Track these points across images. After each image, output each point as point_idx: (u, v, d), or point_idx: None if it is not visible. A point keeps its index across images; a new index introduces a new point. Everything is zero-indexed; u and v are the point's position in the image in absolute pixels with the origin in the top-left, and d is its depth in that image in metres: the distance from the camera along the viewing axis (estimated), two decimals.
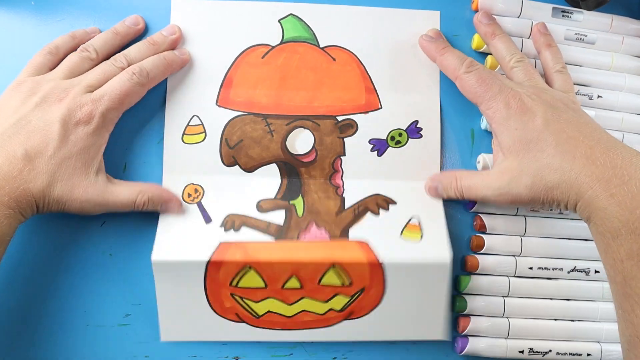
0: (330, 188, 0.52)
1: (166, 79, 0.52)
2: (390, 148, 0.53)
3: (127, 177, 0.52)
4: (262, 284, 0.49)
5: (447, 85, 0.54)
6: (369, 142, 0.53)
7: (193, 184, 0.51)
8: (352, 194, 0.52)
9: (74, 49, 0.51)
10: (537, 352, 0.52)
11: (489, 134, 0.55)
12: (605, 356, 0.53)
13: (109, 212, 0.48)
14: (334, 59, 0.53)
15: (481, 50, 0.54)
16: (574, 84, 0.54)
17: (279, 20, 0.53)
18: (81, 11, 0.54)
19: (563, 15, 0.55)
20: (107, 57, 0.51)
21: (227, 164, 0.52)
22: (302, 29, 0.53)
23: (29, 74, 0.49)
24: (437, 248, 0.50)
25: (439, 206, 0.52)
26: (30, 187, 0.44)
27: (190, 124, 0.52)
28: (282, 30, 0.53)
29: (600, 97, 0.55)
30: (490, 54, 0.54)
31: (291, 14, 0.53)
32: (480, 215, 0.53)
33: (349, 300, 0.50)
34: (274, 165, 0.52)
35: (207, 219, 0.51)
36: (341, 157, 0.53)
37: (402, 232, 0.51)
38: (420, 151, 0.53)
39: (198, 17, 0.53)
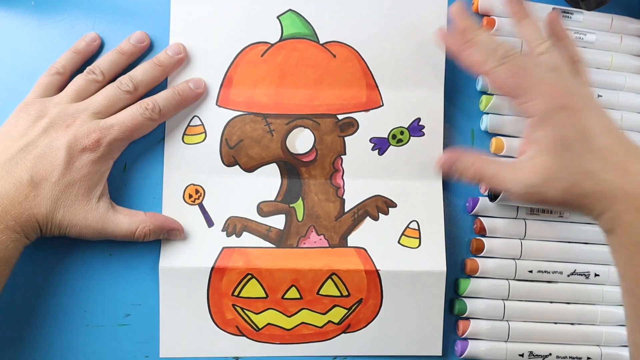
0: (330, 189, 0.52)
1: (166, 79, 0.52)
2: (391, 146, 0.52)
3: (127, 177, 0.51)
4: (263, 294, 0.50)
5: (447, 84, 0.53)
6: (370, 140, 0.52)
7: (194, 184, 0.51)
8: (353, 195, 0.52)
9: (80, 65, 0.51)
10: (537, 355, 0.52)
11: (489, 134, 0.54)
12: (605, 359, 0.53)
13: (109, 239, 0.49)
14: (334, 56, 0.52)
15: None
16: None
17: (277, 17, 0.52)
18: (81, 11, 0.53)
19: (563, 16, 0.55)
20: (114, 78, 0.50)
21: (227, 164, 0.52)
22: (302, 25, 0.52)
23: (37, 95, 0.48)
24: (434, 256, 0.51)
25: (438, 208, 0.52)
26: (35, 212, 0.45)
27: (190, 124, 0.52)
28: (281, 27, 0.52)
29: (600, 96, 0.54)
30: None
31: (290, 10, 0.52)
32: (480, 218, 0.53)
33: (347, 312, 0.51)
34: (274, 165, 0.52)
35: (210, 223, 0.51)
36: (342, 156, 0.52)
37: (400, 239, 0.52)
38: (422, 149, 0.53)
39: (197, 15, 0.52)
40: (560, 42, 0.50)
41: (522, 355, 0.52)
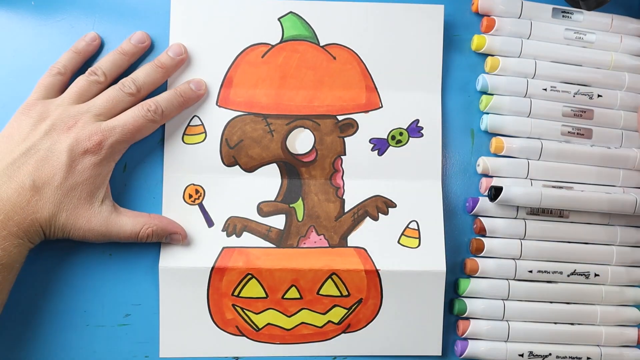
0: (330, 189, 0.52)
1: (166, 80, 0.52)
2: (390, 147, 0.53)
3: (127, 177, 0.52)
4: (263, 294, 0.51)
5: (447, 84, 0.54)
6: (370, 141, 0.53)
7: (194, 184, 0.52)
8: (353, 196, 0.52)
9: (81, 65, 0.51)
10: (537, 355, 0.52)
11: (488, 134, 0.54)
12: (605, 359, 0.53)
13: (112, 241, 0.49)
14: (334, 58, 0.53)
15: (481, 51, 0.54)
16: (574, 83, 0.54)
17: (278, 19, 0.52)
18: (81, 11, 0.53)
19: (563, 16, 0.55)
20: (115, 79, 0.50)
21: (227, 164, 0.52)
22: (302, 27, 0.53)
23: (38, 96, 0.48)
24: (434, 256, 0.51)
25: (438, 208, 0.53)
26: (38, 217, 0.45)
27: (190, 124, 0.52)
28: (282, 29, 0.52)
29: (600, 96, 0.54)
30: (491, 56, 0.54)
31: (291, 12, 0.53)
32: (480, 218, 0.53)
33: (347, 312, 0.51)
34: (274, 165, 0.52)
35: (210, 223, 0.51)
36: (341, 156, 0.52)
37: (400, 239, 0.52)
38: (421, 150, 0.53)
39: (197, 16, 0.52)
40: None
41: (522, 355, 0.52)
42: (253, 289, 0.51)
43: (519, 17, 0.54)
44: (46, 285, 0.51)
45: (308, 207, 0.52)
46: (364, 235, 0.52)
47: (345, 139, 0.52)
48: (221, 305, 0.51)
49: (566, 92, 0.54)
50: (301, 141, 0.52)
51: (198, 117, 0.52)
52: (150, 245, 0.51)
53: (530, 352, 0.52)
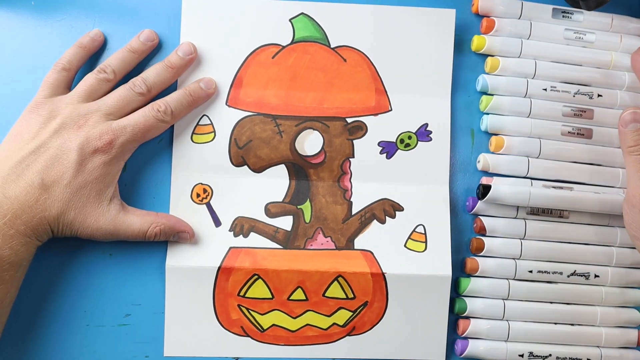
0: (338, 191, 0.52)
1: (176, 80, 0.52)
2: (399, 151, 0.53)
3: (127, 177, 0.51)
4: (269, 295, 0.51)
5: None
6: (378, 144, 0.53)
7: (202, 183, 0.51)
8: (360, 198, 0.53)
9: (85, 60, 0.51)
10: (537, 356, 0.53)
11: (488, 134, 0.55)
12: None
13: (120, 240, 0.48)
14: (345, 60, 0.53)
15: (481, 51, 0.54)
16: (574, 83, 0.55)
17: (290, 20, 0.52)
18: (81, 11, 0.53)
19: (563, 16, 0.55)
20: (124, 77, 0.50)
21: (235, 164, 0.52)
22: (313, 29, 0.53)
23: (46, 94, 0.48)
24: (440, 261, 0.52)
25: (445, 212, 0.53)
26: (46, 215, 0.44)
27: (199, 123, 0.52)
28: (293, 30, 0.52)
29: (600, 96, 0.55)
30: (491, 56, 0.54)
31: (302, 13, 0.52)
32: (480, 217, 0.54)
33: (352, 315, 0.52)
34: (283, 166, 0.52)
35: (217, 222, 0.51)
36: (350, 159, 0.53)
37: (406, 243, 0.52)
38: (430, 154, 0.53)
39: (208, 16, 0.52)
40: None
41: (522, 355, 0.52)
42: (259, 290, 0.51)
43: (519, 18, 0.55)
44: (46, 285, 0.50)
45: (316, 208, 0.52)
46: (370, 238, 0.52)
47: (354, 141, 0.53)
48: (227, 305, 0.51)
49: (566, 92, 0.54)
50: (310, 143, 0.52)
51: (207, 116, 0.51)
52: (151, 245, 0.51)
53: (531, 353, 0.52)
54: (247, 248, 0.51)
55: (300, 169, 0.52)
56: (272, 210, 0.52)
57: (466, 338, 0.53)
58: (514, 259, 0.54)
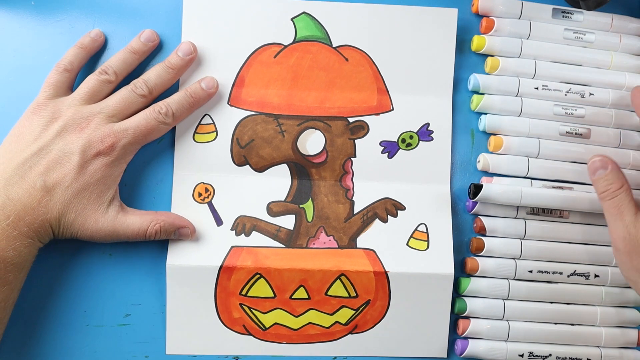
0: (340, 191, 0.52)
1: (178, 80, 0.52)
2: (400, 150, 0.53)
3: (128, 177, 0.51)
4: (271, 294, 0.51)
5: None
6: (380, 144, 0.53)
7: (204, 183, 0.51)
8: (362, 197, 0.53)
9: (86, 60, 0.51)
10: (537, 355, 0.53)
11: (487, 134, 0.55)
12: None
13: (121, 241, 0.48)
14: (347, 59, 0.53)
15: (481, 51, 0.55)
16: (574, 83, 0.55)
17: (291, 19, 0.52)
18: (81, 11, 0.53)
19: (563, 16, 0.56)
20: (126, 78, 0.50)
21: (237, 163, 0.52)
22: (315, 28, 0.53)
23: (48, 95, 0.48)
24: (442, 259, 0.52)
25: (446, 212, 0.53)
26: (48, 217, 0.44)
27: (201, 122, 0.51)
28: (295, 29, 0.52)
29: (592, 94, 0.55)
30: (491, 56, 0.55)
31: (304, 12, 0.53)
32: (480, 217, 0.54)
33: (355, 313, 0.52)
34: (285, 165, 0.52)
35: (219, 221, 0.51)
36: (352, 158, 0.53)
37: (409, 241, 0.52)
38: (431, 154, 0.54)
39: (210, 15, 0.52)
40: None
41: (522, 355, 0.53)
42: (261, 289, 0.50)
43: (519, 18, 0.55)
44: (47, 285, 0.50)
45: (318, 208, 0.52)
46: (373, 237, 0.52)
47: (355, 141, 0.53)
48: (228, 304, 0.50)
49: (558, 91, 0.54)
50: (312, 142, 0.52)
51: (209, 115, 0.51)
52: (151, 245, 0.51)
53: (531, 353, 0.53)
54: (249, 247, 0.51)
55: (302, 169, 0.52)
56: (274, 209, 0.52)
57: (466, 338, 0.53)
58: (514, 259, 0.54)
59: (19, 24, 0.52)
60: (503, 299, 0.53)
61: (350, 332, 0.52)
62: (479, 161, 0.54)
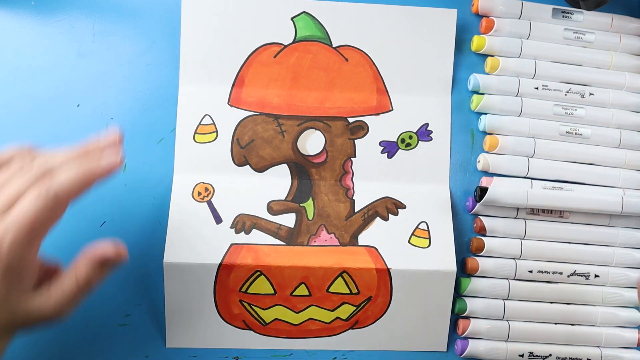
0: (340, 190, 0.52)
1: (178, 76, 0.52)
2: (400, 150, 0.53)
3: (127, 177, 0.51)
4: (271, 291, 0.50)
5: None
6: (380, 144, 0.53)
7: (203, 182, 0.51)
8: (362, 197, 0.53)
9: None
10: (537, 356, 0.53)
11: (487, 134, 0.55)
12: None
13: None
14: (347, 59, 0.53)
15: (481, 51, 0.55)
16: (574, 83, 0.55)
17: (291, 18, 0.53)
18: (81, 11, 0.53)
19: (563, 16, 0.56)
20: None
21: (238, 163, 0.52)
22: (315, 28, 0.53)
23: None
24: (444, 256, 0.52)
25: (447, 210, 0.53)
26: None
27: (202, 123, 0.52)
28: (295, 29, 0.53)
29: (592, 94, 0.55)
30: (491, 56, 0.55)
31: (304, 12, 0.53)
32: (480, 217, 0.54)
33: (356, 309, 0.52)
34: (285, 165, 0.52)
35: (218, 219, 0.51)
36: (352, 158, 0.53)
37: (410, 239, 0.52)
38: (430, 154, 0.54)
39: (209, 15, 0.52)
40: None
41: (522, 355, 0.53)
42: (261, 286, 0.50)
43: (519, 18, 0.55)
44: None
45: (318, 206, 0.52)
46: (374, 234, 0.52)
47: (355, 141, 0.53)
48: (228, 301, 0.50)
49: (557, 91, 0.55)
50: (312, 142, 0.52)
51: (209, 116, 0.52)
52: (152, 245, 0.50)
53: (531, 353, 0.53)
54: (249, 245, 0.50)
55: (302, 169, 0.52)
56: (274, 208, 0.52)
57: (466, 338, 0.53)
58: (514, 259, 0.54)
59: (19, 24, 0.52)
60: (503, 299, 0.53)
61: (351, 328, 0.52)
62: (479, 161, 0.54)
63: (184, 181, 0.51)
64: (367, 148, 0.53)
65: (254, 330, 0.51)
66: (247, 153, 0.52)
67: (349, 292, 0.51)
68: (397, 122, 0.53)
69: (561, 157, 0.54)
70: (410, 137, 0.54)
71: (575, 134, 0.54)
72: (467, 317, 0.53)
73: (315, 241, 0.51)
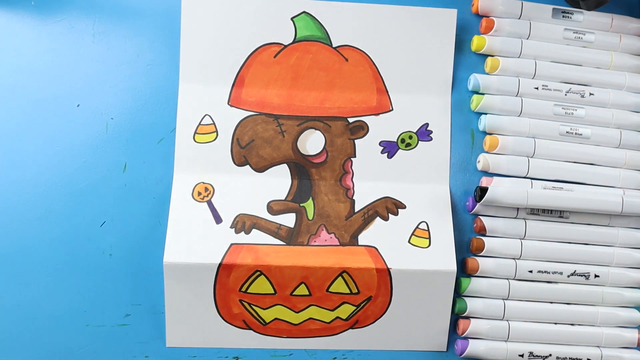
0: (340, 190, 0.53)
1: (178, 76, 0.52)
2: (400, 150, 0.53)
3: (127, 177, 0.51)
4: (271, 290, 0.51)
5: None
6: (380, 144, 0.53)
7: (203, 182, 0.51)
8: (362, 197, 0.53)
9: None
10: (537, 356, 0.53)
11: (487, 134, 0.55)
12: None
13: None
14: (347, 59, 0.53)
15: (481, 51, 0.55)
16: (574, 83, 0.55)
17: (291, 18, 0.53)
18: (81, 11, 0.53)
19: (563, 16, 0.56)
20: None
21: (238, 163, 0.52)
22: (315, 28, 0.53)
23: None
24: (444, 256, 0.52)
25: (447, 210, 0.53)
26: None
27: (202, 123, 0.52)
28: (295, 29, 0.53)
29: (592, 94, 0.55)
30: (491, 56, 0.55)
31: (304, 12, 0.53)
32: (480, 217, 0.54)
33: (356, 309, 0.52)
34: (285, 165, 0.52)
35: (218, 219, 0.51)
36: (351, 158, 0.53)
37: (410, 239, 0.52)
38: (430, 154, 0.54)
39: (209, 15, 0.52)
40: None
41: (522, 355, 0.53)
42: (261, 285, 0.50)
43: (519, 18, 0.55)
44: (46, 285, 0.50)
45: (318, 206, 0.52)
46: (374, 234, 0.52)
47: (355, 141, 0.53)
48: (228, 301, 0.50)
49: (558, 91, 0.55)
50: (312, 142, 0.53)
51: (210, 116, 0.52)
52: (152, 245, 0.51)
53: (531, 353, 0.53)
54: (249, 244, 0.50)
55: (302, 169, 0.52)
56: (274, 207, 0.52)
57: (466, 338, 0.53)
58: (514, 259, 0.54)
59: (19, 24, 0.52)
60: (503, 299, 0.53)
61: (351, 327, 0.52)
62: (479, 161, 0.55)
63: (183, 181, 0.51)
64: (367, 148, 0.53)
65: (253, 330, 0.51)
66: (247, 153, 0.52)
67: (349, 292, 0.51)
68: (397, 122, 0.53)
69: (561, 157, 0.54)
70: (410, 137, 0.54)
71: (575, 134, 0.54)
72: (467, 317, 0.53)
73: (315, 241, 0.51)
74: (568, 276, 0.54)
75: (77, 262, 0.50)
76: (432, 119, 0.54)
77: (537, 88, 0.54)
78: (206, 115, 0.51)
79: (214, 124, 0.51)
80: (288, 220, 0.52)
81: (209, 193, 0.51)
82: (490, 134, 0.54)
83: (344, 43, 0.53)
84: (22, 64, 0.51)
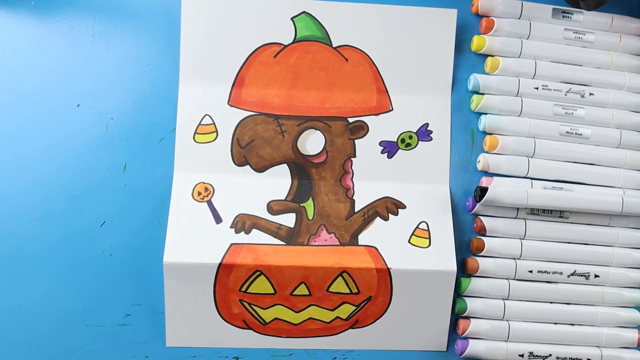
0: (340, 190, 0.53)
1: (178, 76, 0.52)
2: (400, 150, 0.53)
3: (127, 177, 0.51)
4: (271, 290, 0.51)
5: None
6: (380, 144, 0.53)
7: (203, 182, 0.51)
8: (362, 197, 0.53)
9: None
10: (537, 356, 0.53)
11: (487, 134, 0.55)
12: None
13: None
14: (347, 59, 0.53)
15: (481, 51, 0.55)
16: (574, 83, 0.55)
17: (291, 18, 0.53)
18: (81, 11, 0.53)
19: (563, 16, 0.56)
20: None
21: (238, 163, 0.52)
22: (315, 28, 0.53)
23: None
24: (445, 256, 0.52)
25: (447, 210, 0.53)
26: None
27: (202, 123, 0.52)
28: (295, 29, 0.53)
29: (592, 94, 0.55)
30: (491, 56, 0.55)
31: (304, 12, 0.53)
32: (480, 217, 0.54)
33: (356, 309, 0.52)
34: (285, 165, 0.52)
35: (218, 219, 0.51)
36: (351, 158, 0.53)
37: (410, 239, 0.52)
38: (430, 154, 0.54)
39: (208, 15, 0.52)
40: None
41: (522, 355, 0.53)
42: (261, 285, 0.50)
43: (519, 18, 0.55)
44: (46, 285, 0.50)
45: (318, 206, 0.52)
46: (374, 234, 0.52)
47: (355, 141, 0.53)
48: (228, 300, 0.51)
49: (558, 91, 0.55)
50: (312, 142, 0.53)
51: (210, 116, 0.52)
52: (152, 245, 0.51)
53: (531, 353, 0.53)
54: (249, 244, 0.50)
55: (302, 169, 0.52)
56: (274, 207, 0.52)
57: (466, 338, 0.53)
58: (514, 259, 0.54)
59: (19, 24, 0.52)
60: (503, 299, 0.53)
61: (351, 327, 0.52)
62: (479, 161, 0.55)
63: (183, 181, 0.51)
64: (367, 148, 0.53)
65: (253, 330, 0.51)
66: (247, 153, 0.52)
67: (349, 291, 0.51)
68: (397, 122, 0.53)
69: (561, 157, 0.54)
70: (410, 137, 0.54)
71: (575, 134, 0.54)
72: (467, 317, 0.53)
73: (315, 241, 0.51)
74: (568, 276, 0.54)
75: (77, 262, 0.50)
76: (432, 119, 0.54)
77: (537, 88, 0.54)
78: (206, 115, 0.52)
79: (214, 124, 0.51)
80: (288, 220, 0.52)
81: (209, 193, 0.51)
82: (490, 134, 0.54)
83: (344, 43, 0.53)
84: (22, 64, 0.51)
